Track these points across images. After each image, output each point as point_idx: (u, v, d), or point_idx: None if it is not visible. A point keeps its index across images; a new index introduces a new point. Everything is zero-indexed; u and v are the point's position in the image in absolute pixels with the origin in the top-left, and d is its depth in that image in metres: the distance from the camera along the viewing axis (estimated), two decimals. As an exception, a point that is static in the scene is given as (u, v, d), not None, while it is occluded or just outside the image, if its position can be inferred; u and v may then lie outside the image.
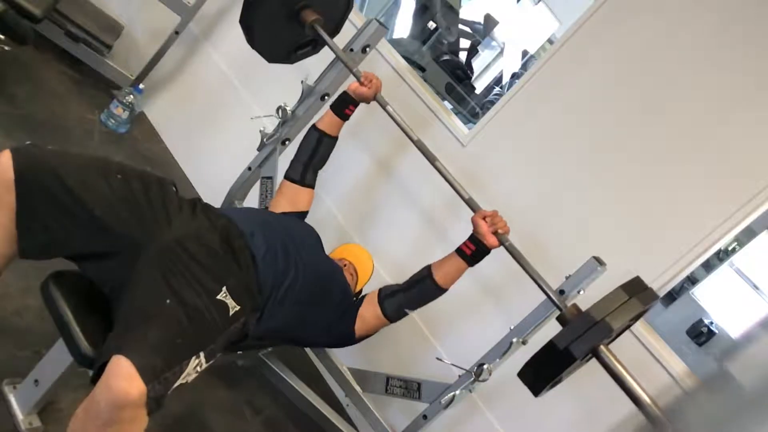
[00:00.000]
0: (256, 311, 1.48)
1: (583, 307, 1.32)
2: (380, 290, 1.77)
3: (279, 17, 1.92)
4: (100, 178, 1.35)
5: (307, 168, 1.95)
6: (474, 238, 1.63)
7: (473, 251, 1.62)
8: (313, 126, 1.92)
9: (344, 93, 1.86)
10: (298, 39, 2.04)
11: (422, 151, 1.73)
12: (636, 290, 1.26)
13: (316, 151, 1.92)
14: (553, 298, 1.46)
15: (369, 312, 1.74)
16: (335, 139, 1.94)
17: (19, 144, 1.31)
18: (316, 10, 1.94)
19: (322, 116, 1.91)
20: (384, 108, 1.80)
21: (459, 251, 1.66)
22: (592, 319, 1.20)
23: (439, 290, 1.70)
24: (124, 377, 1.06)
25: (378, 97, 1.84)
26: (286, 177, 1.98)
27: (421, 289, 1.71)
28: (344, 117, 1.89)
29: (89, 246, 1.33)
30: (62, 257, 1.37)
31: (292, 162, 1.98)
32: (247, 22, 1.90)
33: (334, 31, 2.11)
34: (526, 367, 1.27)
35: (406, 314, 1.74)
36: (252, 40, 1.96)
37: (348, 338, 1.77)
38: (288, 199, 1.95)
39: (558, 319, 1.38)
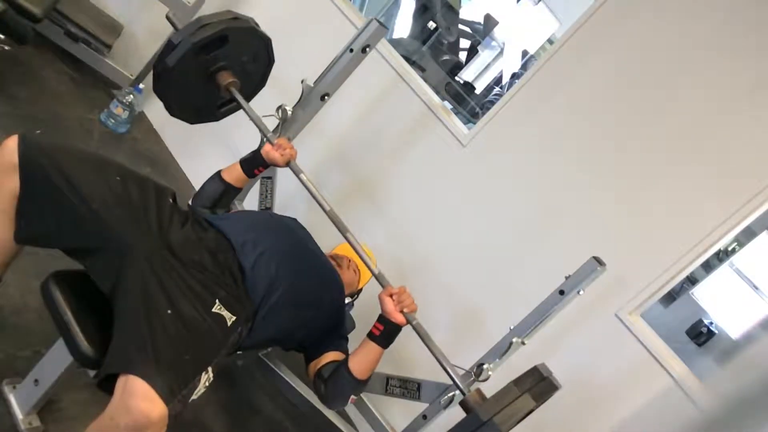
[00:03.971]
0: (249, 321, 1.48)
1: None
2: (322, 367, 1.68)
3: (194, 82, 1.85)
4: (100, 176, 1.37)
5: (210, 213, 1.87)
6: (382, 318, 1.58)
7: (382, 331, 1.56)
8: (219, 176, 1.85)
9: (257, 153, 1.83)
10: (218, 100, 1.99)
11: (334, 221, 1.69)
12: (530, 384, 1.24)
13: (220, 200, 1.85)
14: (458, 382, 1.43)
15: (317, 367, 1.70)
16: (240, 189, 1.89)
17: (28, 133, 1.34)
18: (233, 70, 1.88)
19: (231, 167, 1.85)
20: (297, 176, 1.76)
21: (369, 334, 1.60)
22: (479, 420, 1.19)
23: (354, 380, 1.59)
24: (144, 398, 1.06)
25: (291, 165, 1.80)
26: None
27: (337, 381, 1.63)
28: (252, 176, 1.85)
29: (81, 239, 1.34)
30: (56, 248, 1.38)
31: (194, 204, 1.87)
32: (160, 91, 1.83)
33: (259, 84, 2.06)
34: None
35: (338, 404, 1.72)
36: (169, 108, 1.91)
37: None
38: None
39: (461, 404, 1.36)
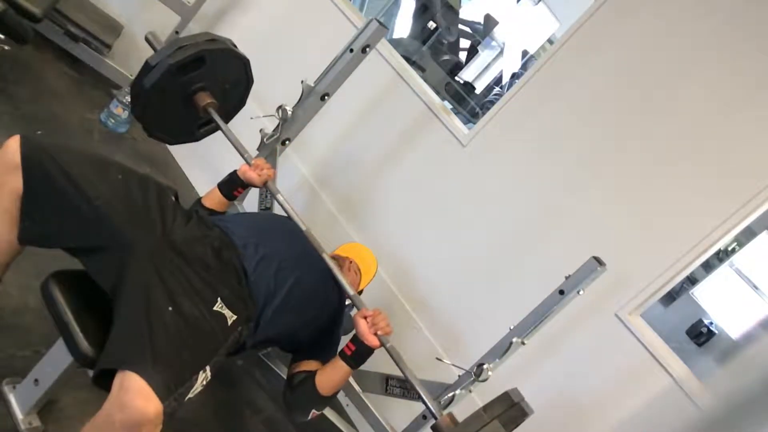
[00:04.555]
0: (250, 321, 1.48)
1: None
2: (296, 374, 1.69)
3: (172, 104, 1.85)
4: (101, 175, 1.38)
5: None
6: (355, 338, 1.58)
7: (353, 351, 1.57)
8: (200, 203, 1.86)
9: (234, 174, 1.84)
10: (197, 121, 1.99)
11: (311, 240, 1.70)
12: (500, 410, 1.23)
13: None
14: (431, 407, 1.42)
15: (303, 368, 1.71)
16: (224, 213, 1.90)
17: (29, 134, 1.34)
18: (211, 91, 1.87)
19: (210, 193, 1.86)
20: (274, 197, 1.78)
21: (341, 352, 1.60)
22: None
23: (316, 394, 1.59)
24: (140, 396, 1.06)
25: (269, 185, 1.81)
26: None
27: (301, 391, 1.63)
28: (232, 198, 1.86)
29: (84, 239, 1.34)
30: (59, 248, 1.38)
31: None
32: (138, 113, 1.82)
33: (238, 105, 2.07)
34: None
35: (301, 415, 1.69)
36: (148, 129, 1.91)
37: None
38: None
39: (432, 428, 1.36)
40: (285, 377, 2.06)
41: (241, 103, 2.08)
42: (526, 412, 1.26)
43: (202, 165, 3.05)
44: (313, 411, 1.64)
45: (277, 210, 2.27)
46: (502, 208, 2.34)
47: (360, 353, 1.56)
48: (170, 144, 2.04)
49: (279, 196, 1.79)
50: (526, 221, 2.28)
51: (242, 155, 1.88)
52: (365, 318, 1.55)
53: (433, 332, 2.40)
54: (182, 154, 3.10)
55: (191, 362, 1.22)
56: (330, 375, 1.60)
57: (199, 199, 1.88)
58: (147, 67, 1.71)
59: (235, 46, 1.90)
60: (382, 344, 1.53)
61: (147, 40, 1.95)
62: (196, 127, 2.03)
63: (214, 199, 1.85)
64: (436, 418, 1.37)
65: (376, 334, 1.53)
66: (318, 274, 1.73)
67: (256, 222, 1.79)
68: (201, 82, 1.84)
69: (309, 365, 1.69)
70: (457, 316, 2.37)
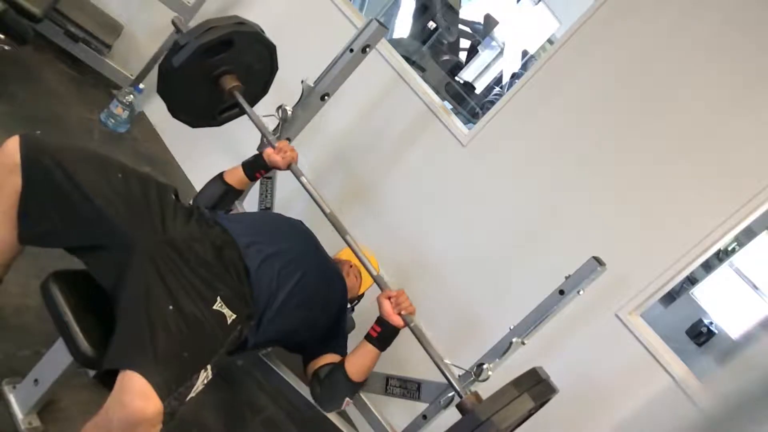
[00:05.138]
0: (251, 320, 1.48)
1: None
2: (319, 368, 1.70)
3: (198, 85, 1.85)
4: (101, 173, 1.38)
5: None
6: (380, 320, 1.59)
7: (379, 333, 1.58)
8: (221, 178, 1.85)
9: (259, 156, 1.84)
10: (220, 104, 1.99)
11: (334, 224, 1.70)
12: (529, 384, 1.24)
13: (220, 202, 1.85)
14: (455, 384, 1.43)
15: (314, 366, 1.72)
16: (241, 192, 1.90)
17: (28, 133, 1.35)
18: (237, 74, 1.88)
19: (233, 170, 1.85)
20: (298, 179, 1.78)
21: (367, 336, 1.61)
22: (477, 419, 1.19)
23: (349, 382, 1.61)
24: (139, 395, 1.07)
25: (293, 168, 1.82)
26: None
27: (332, 382, 1.64)
28: (254, 179, 1.86)
29: (84, 237, 1.35)
30: (59, 248, 1.39)
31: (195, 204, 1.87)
32: (164, 92, 1.83)
33: (261, 92, 2.07)
34: None
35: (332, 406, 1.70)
36: (172, 110, 1.91)
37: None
38: None
39: (458, 406, 1.37)
40: (285, 377, 2.07)
41: (264, 90, 2.08)
42: (553, 388, 1.27)
43: (202, 165, 3.05)
44: (346, 399, 1.65)
45: (278, 207, 2.27)
46: (502, 208, 2.34)
47: (385, 334, 1.58)
48: (192, 127, 2.05)
49: (303, 179, 1.79)
50: (526, 221, 2.28)
51: (266, 138, 1.89)
52: (389, 299, 1.57)
53: (433, 332, 2.39)
54: (182, 154, 3.10)
55: (192, 361, 1.22)
56: (359, 360, 1.62)
57: (221, 173, 1.87)
58: (176, 47, 1.72)
59: (263, 32, 1.90)
60: (407, 324, 1.55)
61: (173, 23, 1.98)
62: (218, 112, 2.04)
63: (235, 177, 1.85)
64: (461, 397, 1.36)
65: (400, 314, 1.54)
66: (321, 274, 1.73)
67: (258, 221, 1.79)
68: (227, 65, 1.85)
69: (331, 358, 1.70)
70: (457, 316, 2.37)
